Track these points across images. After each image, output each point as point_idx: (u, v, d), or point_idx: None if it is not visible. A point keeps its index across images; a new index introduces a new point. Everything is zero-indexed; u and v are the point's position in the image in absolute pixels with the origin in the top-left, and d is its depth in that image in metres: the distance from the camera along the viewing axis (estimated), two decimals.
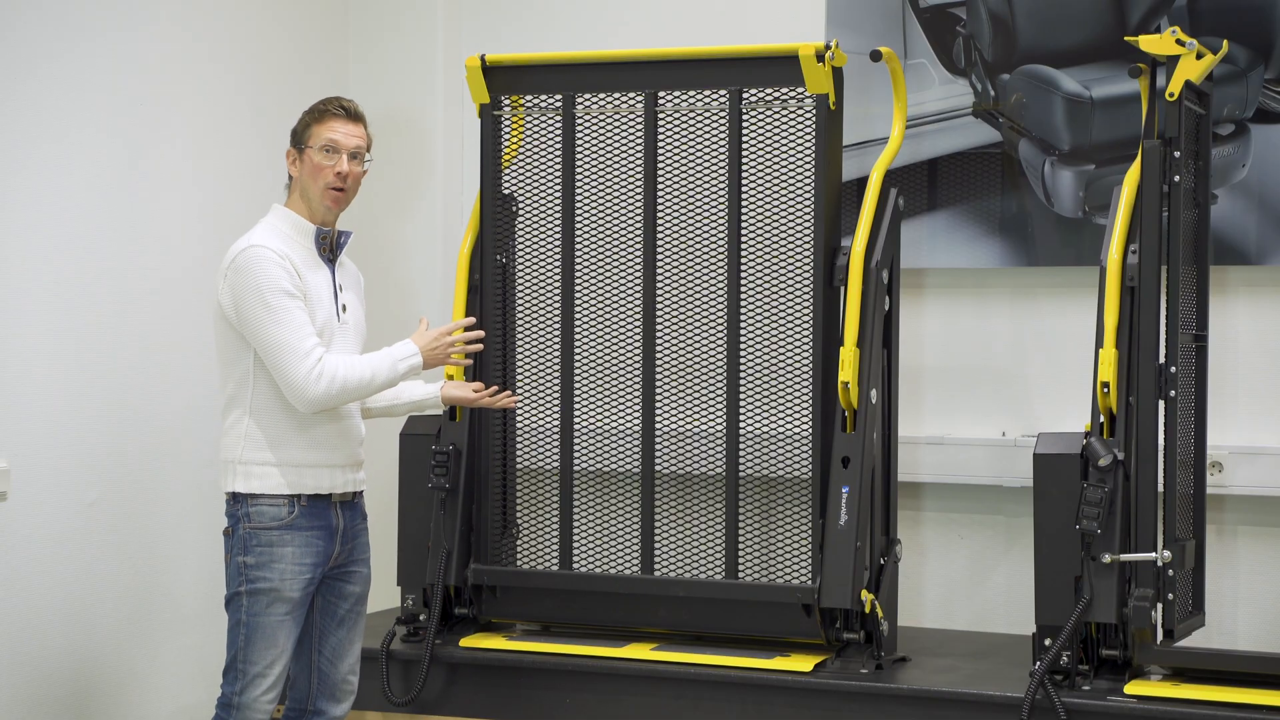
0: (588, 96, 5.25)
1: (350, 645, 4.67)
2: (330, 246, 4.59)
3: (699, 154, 5.19)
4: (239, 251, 4.46)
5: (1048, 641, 4.65)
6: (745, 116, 5.11)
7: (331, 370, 4.43)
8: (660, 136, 5.18)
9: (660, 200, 5.20)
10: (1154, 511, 4.64)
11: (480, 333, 4.87)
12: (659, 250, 5.20)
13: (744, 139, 5.11)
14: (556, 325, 5.30)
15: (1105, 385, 4.65)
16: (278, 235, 4.53)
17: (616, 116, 5.24)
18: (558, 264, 5.29)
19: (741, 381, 5.12)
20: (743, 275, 5.12)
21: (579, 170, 5.27)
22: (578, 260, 5.29)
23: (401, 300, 6.00)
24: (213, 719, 4.53)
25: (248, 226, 4.71)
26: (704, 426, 5.23)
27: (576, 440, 5.31)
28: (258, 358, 4.45)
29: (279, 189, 4.79)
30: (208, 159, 5.40)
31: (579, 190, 5.28)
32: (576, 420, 5.31)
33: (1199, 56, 4.66)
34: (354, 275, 4.73)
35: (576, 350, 5.29)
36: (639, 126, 5.20)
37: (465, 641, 5.13)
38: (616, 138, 5.24)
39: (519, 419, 5.38)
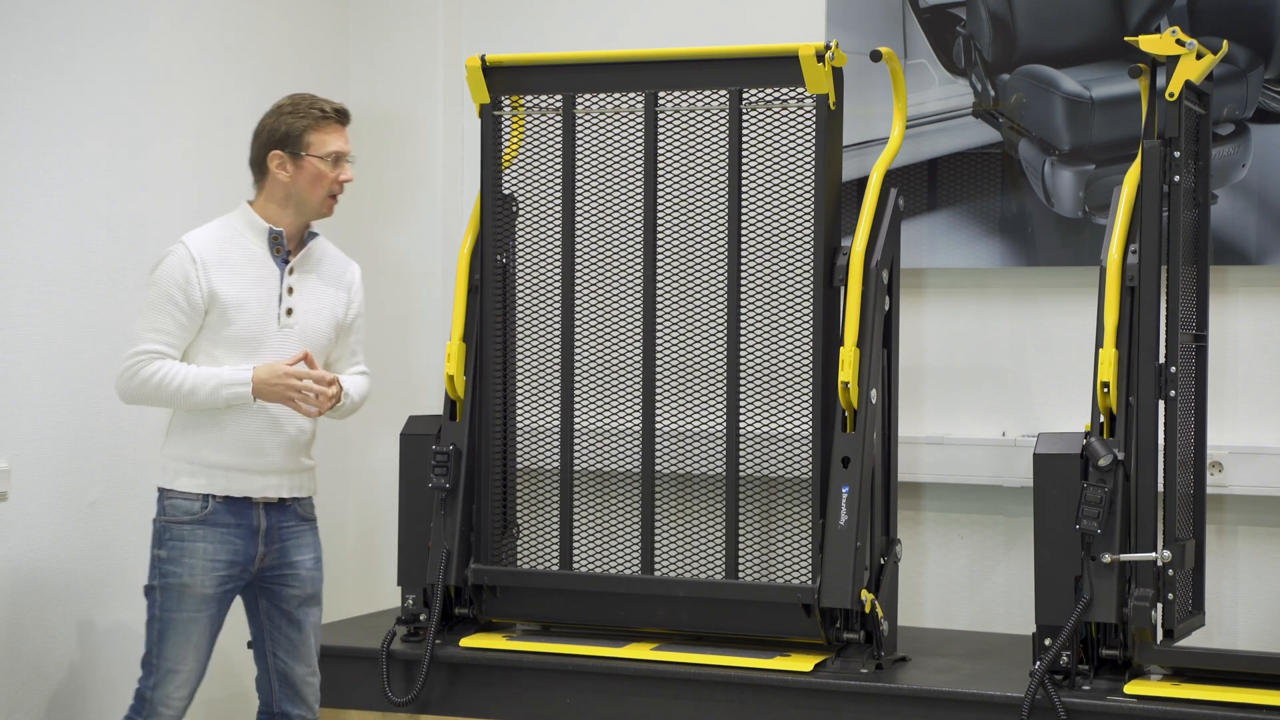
0: (588, 96, 5.25)
1: (304, 647, 4.65)
2: (284, 247, 4.58)
3: (699, 154, 5.19)
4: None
5: (1048, 641, 4.65)
6: (745, 116, 5.11)
7: (149, 374, 4.44)
8: (660, 136, 5.18)
9: (660, 200, 5.20)
10: (1154, 511, 4.64)
11: (332, 390, 4.54)
12: (659, 250, 5.20)
13: (744, 139, 5.11)
14: (557, 325, 5.30)
15: (1105, 385, 4.65)
16: (225, 232, 4.56)
17: (616, 116, 5.24)
18: (558, 264, 5.29)
19: (741, 381, 5.12)
20: (743, 275, 5.12)
21: (579, 170, 5.27)
22: (578, 260, 5.29)
23: (402, 300, 6.00)
24: (127, 713, 4.54)
25: None
26: (704, 426, 5.23)
27: (576, 440, 5.31)
28: (188, 355, 4.51)
29: None
30: (208, 159, 5.40)
31: (579, 190, 5.28)
32: (576, 420, 5.31)
33: (1199, 56, 4.66)
34: (333, 276, 4.69)
35: (577, 350, 5.29)
36: (639, 126, 5.20)
37: (465, 641, 5.13)
38: (616, 138, 5.24)
39: (519, 419, 5.38)
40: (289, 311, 4.56)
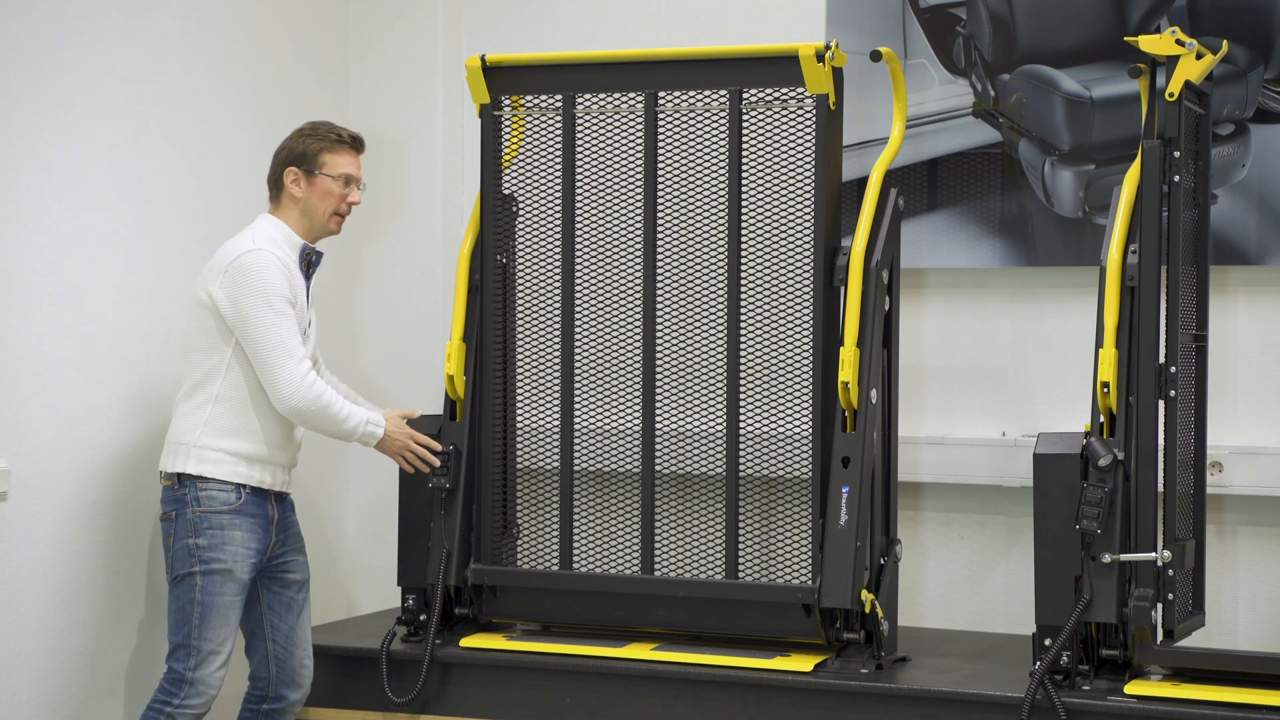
0: (588, 96, 5.25)
1: (302, 631, 4.97)
2: (308, 264, 4.86)
3: (699, 154, 5.19)
4: (244, 252, 4.72)
5: (1048, 641, 4.65)
6: (745, 116, 5.11)
7: (322, 388, 4.74)
8: (660, 136, 5.18)
9: (660, 200, 5.20)
10: (1154, 511, 4.65)
11: (435, 461, 5.08)
12: (659, 250, 5.20)
13: (744, 139, 5.11)
14: (557, 325, 5.30)
15: (1105, 385, 4.65)
16: (274, 243, 4.78)
17: (616, 116, 5.24)
18: (558, 264, 5.29)
19: (741, 381, 5.12)
20: (743, 275, 5.12)
21: (579, 170, 5.27)
22: (578, 260, 5.29)
23: (402, 300, 6.00)
24: (155, 698, 4.72)
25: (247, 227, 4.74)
26: (704, 426, 5.23)
27: (576, 440, 5.31)
28: (236, 352, 4.72)
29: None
30: (209, 159, 5.40)
31: (579, 190, 5.28)
32: (576, 420, 5.31)
33: (1199, 56, 4.66)
34: (316, 295, 5.01)
35: (577, 350, 5.29)
36: (639, 126, 5.20)
37: (465, 641, 5.14)
38: (616, 138, 5.24)
39: (519, 419, 5.38)
40: (310, 323, 4.89)
